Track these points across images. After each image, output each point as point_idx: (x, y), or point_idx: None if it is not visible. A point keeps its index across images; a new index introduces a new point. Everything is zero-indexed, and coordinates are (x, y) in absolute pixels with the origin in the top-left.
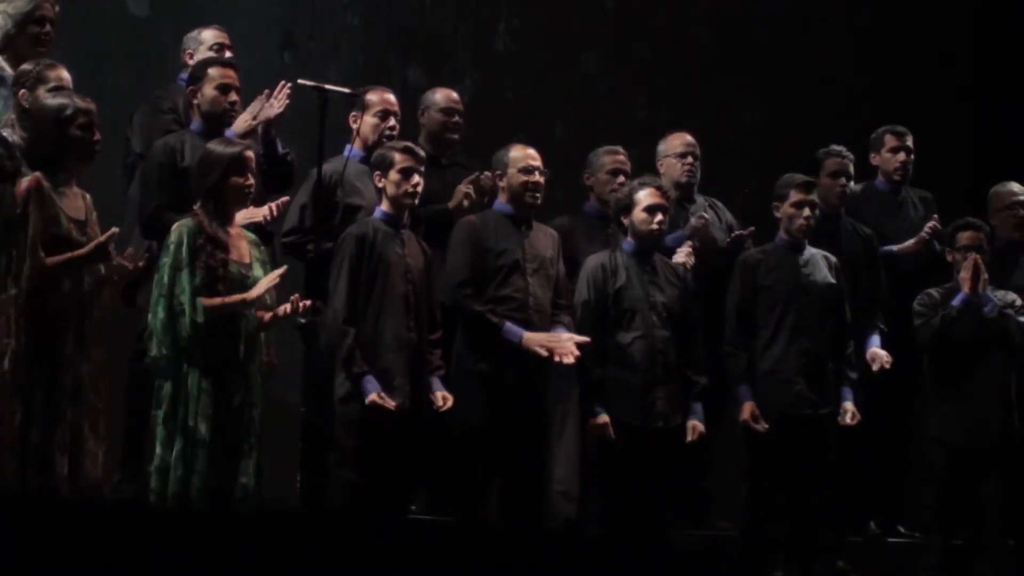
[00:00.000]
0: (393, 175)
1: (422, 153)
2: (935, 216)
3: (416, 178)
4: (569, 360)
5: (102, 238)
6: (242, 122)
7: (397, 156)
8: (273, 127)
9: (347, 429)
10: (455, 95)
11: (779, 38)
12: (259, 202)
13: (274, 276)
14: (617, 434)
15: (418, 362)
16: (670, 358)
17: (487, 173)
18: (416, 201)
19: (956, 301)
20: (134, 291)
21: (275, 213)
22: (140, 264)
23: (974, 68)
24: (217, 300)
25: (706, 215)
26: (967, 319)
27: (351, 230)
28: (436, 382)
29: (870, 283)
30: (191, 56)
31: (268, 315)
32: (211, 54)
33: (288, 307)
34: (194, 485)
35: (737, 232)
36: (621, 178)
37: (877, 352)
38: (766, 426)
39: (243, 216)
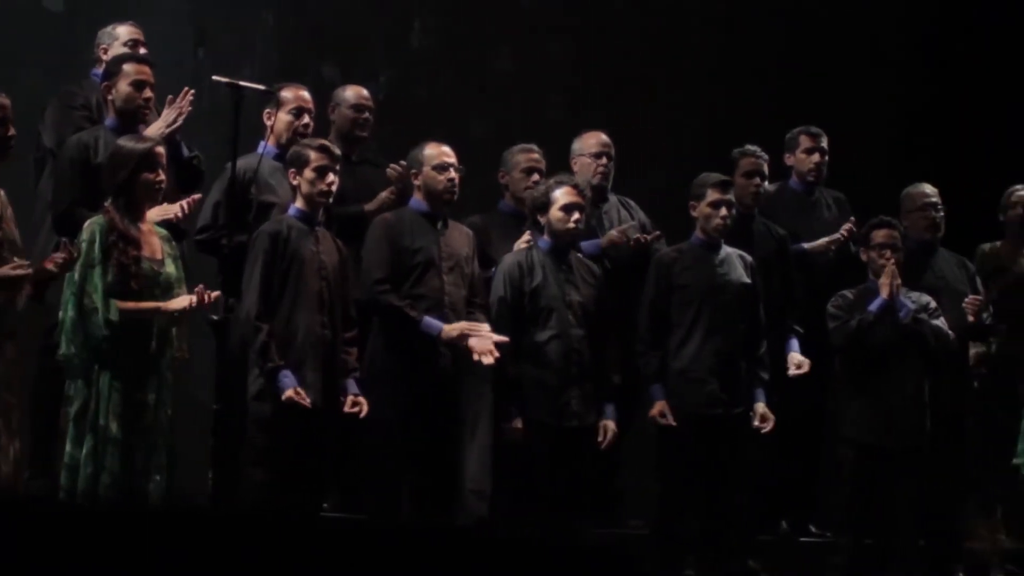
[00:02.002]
0: (308, 173)
1: (337, 151)
2: (852, 219)
3: (331, 176)
4: (488, 360)
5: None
6: (155, 131)
7: (312, 154)
8: (177, 131)
9: (259, 427)
10: (365, 92)
11: (695, 38)
12: (171, 199)
13: (196, 303)
14: (531, 433)
15: (331, 359)
16: (585, 357)
17: (393, 166)
18: (331, 200)
19: (873, 306)
20: (43, 287)
21: (187, 210)
22: (75, 255)
23: (888, 70)
24: (131, 305)
25: (628, 232)
26: (883, 323)
27: (265, 227)
28: (351, 384)
29: (783, 283)
30: (105, 52)
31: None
32: (125, 50)
33: (194, 299)
34: (103, 482)
35: (638, 235)
36: (535, 176)
37: (798, 358)
38: (673, 422)
39: (155, 214)
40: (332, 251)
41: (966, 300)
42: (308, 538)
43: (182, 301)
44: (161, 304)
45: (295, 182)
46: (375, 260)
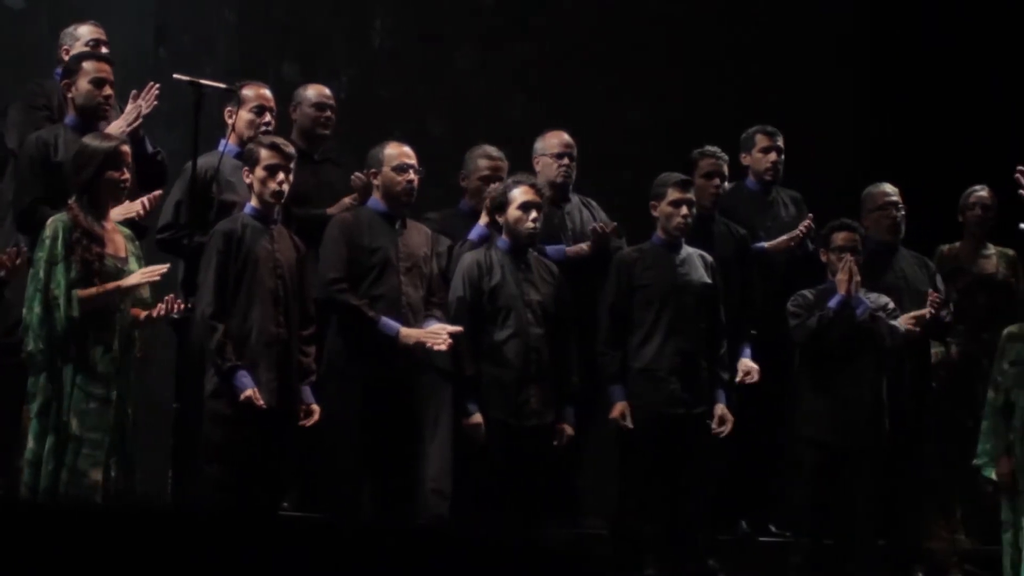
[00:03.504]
0: (259, 172)
1: (290, 150)
2: (810, 216)
3: (282, 175)
4: (442, 347)
5: None
6: (116, 128)
7: (263, 153)
8: (140, 126)
9: (216, 425)
10: (327, 91)
11: (655, 38)
12: (135, 195)
13: (152, 270)
14: (490, 432)
15: (287, 358)
16: (544, 356)
17: (357, 174)
18: (282, 199)
19: (832, 303)
20: (2, 285)
21: (149, 208)
22: (19, 262)
23: (846, 70)
24: (92, 289)
25: (586, 244)
26: (841, 320)
27: (220, 226)
28: (306, 392)
29: (742, 284)
30: (67, 52)
31: (143, 314)
32: (87, 50)
33: (163, 307)
34: (63, 480)
35: (595, 224)
36: (494, 184)
37: (748, 364)
38: (631, 425)
39: (118, 213)
40: (289, 249)
41: (929, 293)
42: (267, 537)
43: (136, 276)
44: (119, 283)
45: (248, 180)
46: (332, 260)
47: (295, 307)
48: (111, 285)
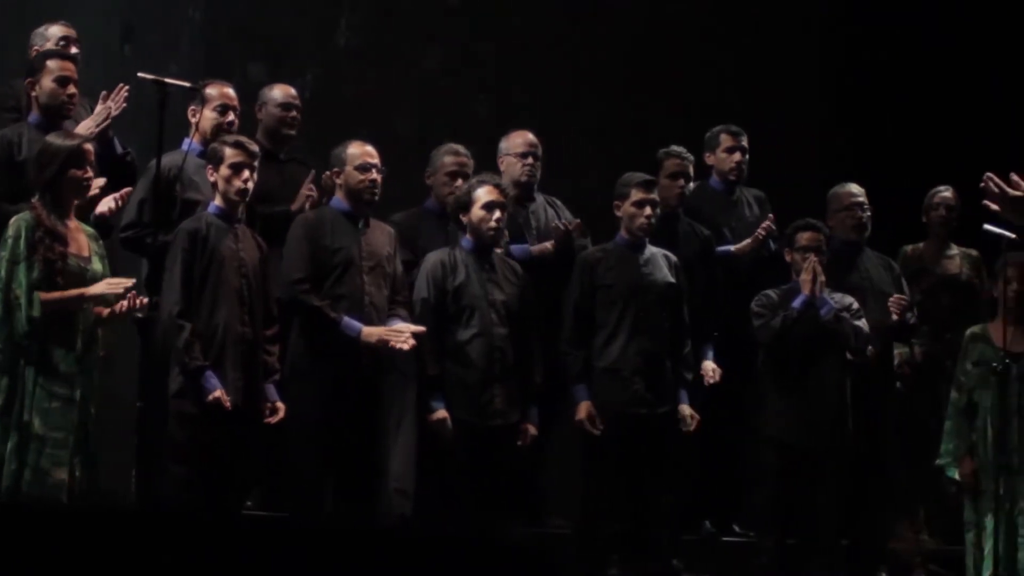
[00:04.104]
0: (223, 170)
1: (254, 148)
2: (771, 216)
3: (246, 173)
4: (404, 347)
5: None
6: (85, 129)
7: (227, 151)
8: (110, 127)
9: (180, 424)
10: (293, 91)
11: (620, 38)
12: (104, 196)
13: (118, 283)
14: (454, 431)
15: (252, 357)
16: (508, 356)
17: (327, 173)
18: (247, 197)
19: (796, 303)
20: None
21: (120, 204)
22: None
23: (811, 70)
24: (55, 294)
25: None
26: (805, 321)
27: (184, 225)
28: (271, 390)
29: (706, 284)
30: (37, 52)
31: (106, 311)
32: (52, 48)
33: (125, 304)
34: (26, 479)
35: (558, 222)
36: (460, 181)
37: (710, 366)
38: (600, 429)
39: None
40: (252, 248)
41: (891, 299)
42: (230, 536)
43: (101, 286)
44: (84, 289)
45: (212, 179)
46: (295, 259)
47: (259, 306)
48: (75, 292)
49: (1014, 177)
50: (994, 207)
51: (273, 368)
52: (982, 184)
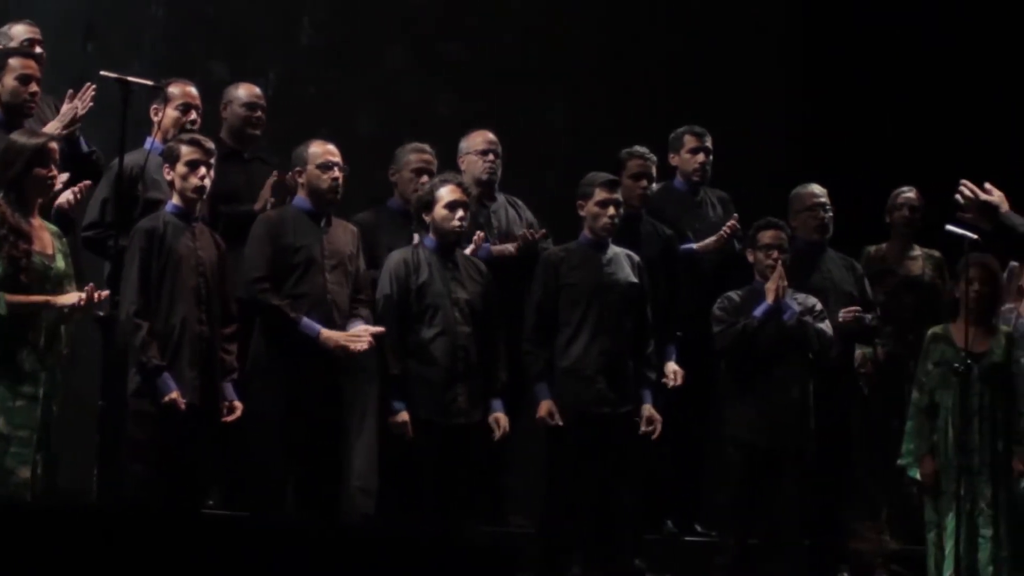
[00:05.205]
0: (180, 168)
1: (210, 145)
2: (735, 216)
3: (203, 171)
4: (363, 347)
5: None
6: (52, 129)
7: (184, 149)
8: (77, 127)
9: (139, 423)
10: (258, 90)
11: (583, 38)
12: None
13: (86, 301)
14: (417, 430)
15: (210, 356)
16: (471, 354)
17: (290, 172)
18: (204, 195)
19: (758, 312)
20: None
21: (78, 196)
22: None
23: (775, 71)
24: (21, 297)
25: (482, 234)
26: (768, 326)
27: (141, 224)
28: (228, 389)
29: (669, 284)
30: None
31: (67, 306)
32: (14, 46)
33: (84, 296)
34: None
35: (524, 231)
36: (425, 178)
37: (672, 367)
38: (561, 422)
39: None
40: (210, 247)
41: (842, 311)
42: (191, 534)
43: (72, 297)
44: (51, 298)
45: (169, 177)
46: (256, 258)
47: (217, 305)
48: (40, 299)
49: (987, 185)
50: (967, 216)
51: (231, 367)
52: (956, 195)
